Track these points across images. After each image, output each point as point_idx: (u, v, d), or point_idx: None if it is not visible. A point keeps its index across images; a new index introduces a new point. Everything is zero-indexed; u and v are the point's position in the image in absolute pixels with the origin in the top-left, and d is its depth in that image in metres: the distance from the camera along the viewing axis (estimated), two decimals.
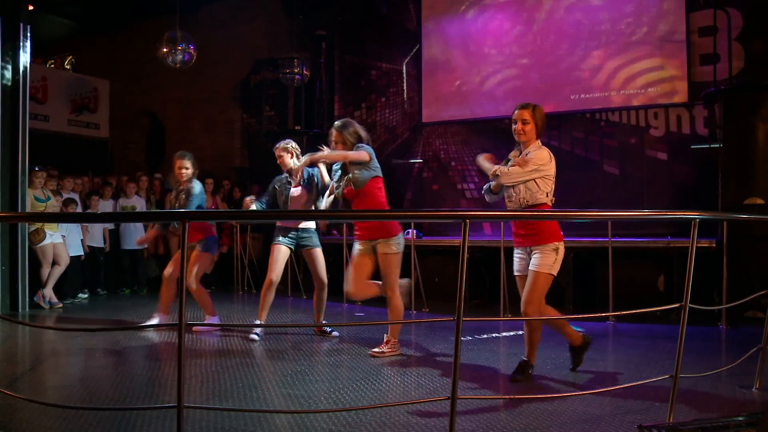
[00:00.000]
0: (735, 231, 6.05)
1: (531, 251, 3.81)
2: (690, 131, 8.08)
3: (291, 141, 5.64)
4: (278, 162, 5.56)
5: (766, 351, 3.67)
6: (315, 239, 5.54)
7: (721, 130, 6.49)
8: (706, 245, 6.29)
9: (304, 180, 5.46)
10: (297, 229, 5.46)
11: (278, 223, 5.51)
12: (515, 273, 3.98)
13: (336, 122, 4.80)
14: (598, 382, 3.90)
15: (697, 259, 3.07)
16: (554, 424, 3.11)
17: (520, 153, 3.90)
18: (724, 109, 6.40)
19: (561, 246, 3.76)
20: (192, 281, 5.60)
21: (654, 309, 3.29)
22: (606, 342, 5.41)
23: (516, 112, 3.89)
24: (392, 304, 4.60)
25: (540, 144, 3.88)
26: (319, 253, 5.52)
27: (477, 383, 3.92)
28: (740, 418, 3.00)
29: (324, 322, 5.56)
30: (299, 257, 7.73)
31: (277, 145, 5.58)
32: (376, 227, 4.48)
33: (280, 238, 5.43)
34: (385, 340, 4.69)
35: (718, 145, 6.64)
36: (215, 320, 5.77)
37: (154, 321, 5.73)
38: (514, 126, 3.89)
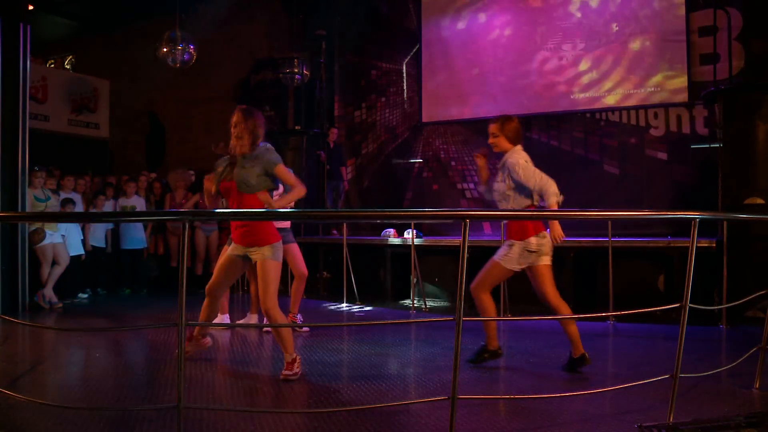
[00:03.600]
0: (735, 231, 6.04)
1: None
2: (690, 131, 8.07)
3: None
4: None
5: (766, 351, 3.67)
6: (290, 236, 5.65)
7: (721, 130, 6.49)
8: (706, 245, 6.28)
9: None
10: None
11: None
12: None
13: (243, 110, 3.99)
14: (598, 382, 3.90)
15: (697, 259, 3.07)
16: (554, 424, 3.11)
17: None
18: (724, 109, 6.39)
19: (516, 244, 4.02)
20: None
21: (654, 309, 3.29)
22: (606, 342, 5.40)
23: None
24: (274, 320, 3.89)
25: (516, 150, 4.16)
26: (295, 248, 5.65)
27: (477, 383, 3.92)
28: (740, 418, 3.01)
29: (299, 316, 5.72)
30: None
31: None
32: (256, 232, 3.90)
33: None
34: (288, 360, 3.93)
35: (718, 145, 6.64)
36: (224, 319, 5.82)
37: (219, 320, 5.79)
38: None
